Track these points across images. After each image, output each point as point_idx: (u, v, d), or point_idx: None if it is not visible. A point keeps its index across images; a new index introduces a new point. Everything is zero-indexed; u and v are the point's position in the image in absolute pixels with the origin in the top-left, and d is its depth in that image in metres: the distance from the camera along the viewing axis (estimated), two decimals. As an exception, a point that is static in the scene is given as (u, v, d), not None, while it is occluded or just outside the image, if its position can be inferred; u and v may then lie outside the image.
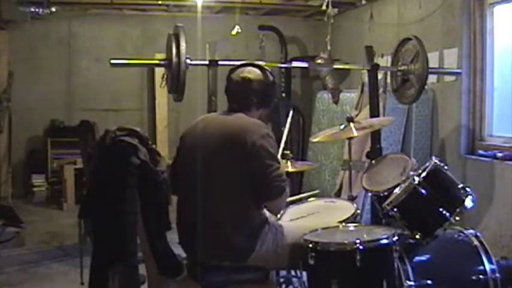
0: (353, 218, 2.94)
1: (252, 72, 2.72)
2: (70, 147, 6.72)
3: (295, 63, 5.23)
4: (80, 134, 5.28)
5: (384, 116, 4.84)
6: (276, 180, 2.55)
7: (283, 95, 7.22)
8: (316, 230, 2.69)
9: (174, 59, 3.72)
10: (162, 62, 3.94)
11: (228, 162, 2.58)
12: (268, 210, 2.73)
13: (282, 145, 3.34)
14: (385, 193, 3.10)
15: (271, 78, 2.75)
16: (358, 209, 3.06)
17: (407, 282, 2.75)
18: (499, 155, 4.45)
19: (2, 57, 6.85)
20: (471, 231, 3.02)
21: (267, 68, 2.79)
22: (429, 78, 4.32)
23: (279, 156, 2.96)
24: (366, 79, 4.69)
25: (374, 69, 4.35)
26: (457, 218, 2.84)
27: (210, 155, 2.60)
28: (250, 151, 2.53)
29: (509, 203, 4.26)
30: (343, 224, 2.84)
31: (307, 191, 3.82)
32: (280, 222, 2.87)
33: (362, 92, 5.61)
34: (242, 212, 2.59)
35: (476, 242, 2.94)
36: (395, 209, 2.87)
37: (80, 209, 2.78)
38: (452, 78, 4.99)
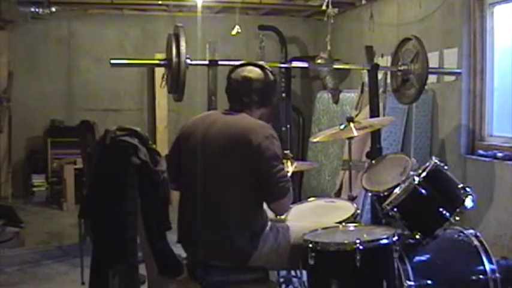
0: (353, 218, 2.94)
1: (253, 72, 2.71)
2: (70, 147, 6.71)
3: (295, 63, 5.22)
4: (80, 134, 5.29)
5: (383, 116, 4.84)
6: (281, 181, 2.56)
7: (284, 95, 7.20)
8: (316, 230, 2.69)
9: (174, 59, 3.72)
10: (162, 62, 3.94)
11: (232, 163, 2.58)
12: (273, 211, 2.72)
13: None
14: (385, 193, 3.10)
15: (272, 77, 2.74)
16: (358, 209, 3.06)
17: (407, 282, 2.75)
18: (499, 155, 4.45)
19: (2, 57, 6.86)
20: (471, 231, 3.01)
21: (268, 67, 2.78)
22: (429, 78, 4.32)
23: None
24: (366, 79, 4.69)
25: (374, 69, 4.35)
26: (457, 218, 2.84)
27: (214, 155, 2.60)
28: (254, 152, 2.53)
29: (509, 203, 4.26)
30: (343, 224, 2.84)
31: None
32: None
33: (362, 92, 5.61)
34: (245, 213, 2.59)
35: (476, 242, 2.93)
36: (395, 209, 2.87)
37: (80, 209, 2.77)
38: (452, 78, 4.99)
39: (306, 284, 2.70)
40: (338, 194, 5.47)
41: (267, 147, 2.55)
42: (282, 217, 2.94)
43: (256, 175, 2.54)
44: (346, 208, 3.07)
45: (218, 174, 2.59)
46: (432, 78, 5.03)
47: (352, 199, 3.33)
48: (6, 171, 6.87)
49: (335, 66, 5.48)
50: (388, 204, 2.91)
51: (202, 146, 2.63)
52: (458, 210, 2.84)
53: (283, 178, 2.57)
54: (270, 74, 2.74)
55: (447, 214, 2.82)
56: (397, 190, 2.97)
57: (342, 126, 3.46)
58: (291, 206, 3.21)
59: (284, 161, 3.32)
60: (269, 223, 2.70)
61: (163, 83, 3.98)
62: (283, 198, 2.59)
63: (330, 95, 6.48)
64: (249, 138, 2.55)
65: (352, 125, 3.41)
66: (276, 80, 2.77)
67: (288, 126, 5.86)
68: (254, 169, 2.54)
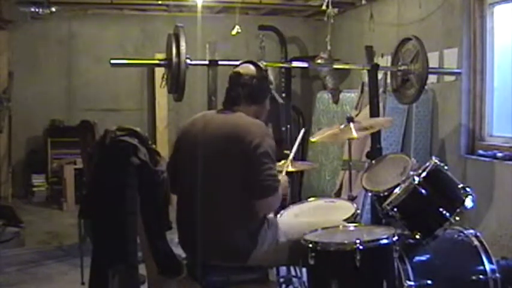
0: (353, 218, 2.94)
1: (244, 68, 2.74)
2: (70, 147, 6.71)
3: (295, 63, 5.21)
4: (80, 134, 5.28)
5: (384, 116, 4.84)
6: (268, 179, 2.53)
7: (283, 95, 7.20)
8: (316, 230, 2.69)
9: (174, 59, 3.72)
10: (162, 62, 3.94)
11: (228, 162, 2.58)
12: (259, 210, 2.63)
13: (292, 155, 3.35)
14: (385, 193, 3.10)
15: (262, 74, 2.74)
16: (358, 209, 3.06)
17: (407, 282, 2.75)
18: (499, 155, 4.45)
19: (2, 57, 6.86)
20: (471, 231, 3.02)
21: (263, 66, 2.78)
22: (429, 78, 4.32)
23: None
24: (366, 79, 4.69)
25: (374, 69, 4.35)
26: (457, 218, 2.84)
27: (210, 155, 2.60)
28: (248, 151, 2.53)
29: (509, 203, 4.26)
30: (343, 224, 2.84)
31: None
32: (279, 218, 2.88)
33: (362, 92, 5.61)
34: (243, 212, 2.59)
35: (476, 242, 2.94)
36: (395, 209, 2.88)
37: (80, 209, 2.78)
38: (452, 78, 4.99)
39: (306, 284, 2.70)
40: (338, 194, 5.46)
41: (259, 144, 2.54)
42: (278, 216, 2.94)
43: (246, 172, 2.54)
44: (346, 208, 3.07)
45: (215, 175, 2.59)
46: (432, 78, 5.02)
47: (352, 199, 3.33)
48: (6, 171, 6.87)
49: (335, 66, 5.47)
50: (388, 204, 2.91)
51: (199, 147, 2.63)
52: (458, 210, 2.85)
53: (271, 176, 2.55)
54: (261, 71, 2.74)
55: (447, 214, 2.83)
56: (397, 190, 2.97)
57: (342, 126, 3.46)
58: (291, 205, 3.23)
59: (284, 161, 3.34)
60: (267, 220, 2.70)
61: (163, 83, 3.98)
62: (269, 196, 2.56)
63: (330, 95, 6.48)
64: (244, 138, 2.55)
65: (352, 125, 3.41)
66: (266, 77, 2.77)
67: (288, 126, 5.87)
68: (246, 167, 2.54)
